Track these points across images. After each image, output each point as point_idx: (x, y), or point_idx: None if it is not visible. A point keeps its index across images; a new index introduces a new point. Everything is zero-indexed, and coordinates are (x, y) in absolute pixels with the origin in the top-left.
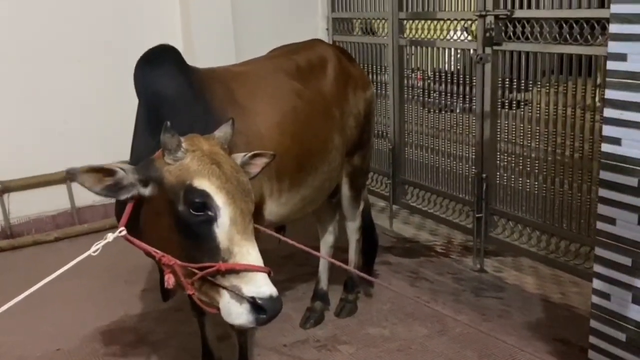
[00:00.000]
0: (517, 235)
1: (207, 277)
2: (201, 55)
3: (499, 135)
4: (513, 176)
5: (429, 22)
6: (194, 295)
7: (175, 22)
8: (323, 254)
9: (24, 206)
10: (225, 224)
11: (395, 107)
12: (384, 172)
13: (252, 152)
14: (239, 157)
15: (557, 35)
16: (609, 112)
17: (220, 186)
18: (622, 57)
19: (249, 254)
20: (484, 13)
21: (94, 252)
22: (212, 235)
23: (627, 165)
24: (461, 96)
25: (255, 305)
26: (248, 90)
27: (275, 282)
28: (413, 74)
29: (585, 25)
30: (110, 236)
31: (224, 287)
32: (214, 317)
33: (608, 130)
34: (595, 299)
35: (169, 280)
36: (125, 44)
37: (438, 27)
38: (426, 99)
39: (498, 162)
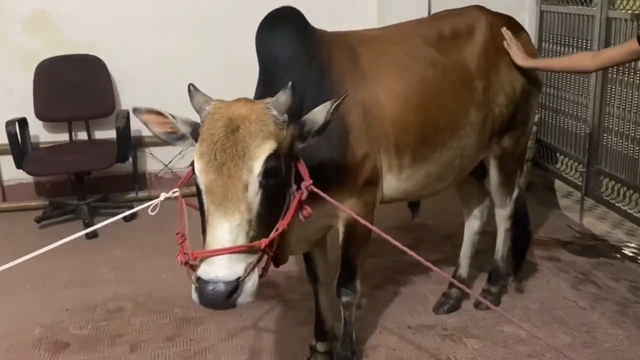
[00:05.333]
0: None
1: None
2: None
3: None
4: None
5: None
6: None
7: None
8: (466, 239)
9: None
10: (203, 192)
11: (597, 87)
12: (578, 158)
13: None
14: (325, 107)
15: None
16: None
17: (203, 152)
18: None
19: (215, 228)
20: None
21: (152, 211)
22: (202, 201)
23: None
24: None
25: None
26: (374, 55)
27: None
28: None
29: None
30: (162, 195)
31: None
32: (329, 286)
33: None
34: None
35: (178, 258)
36: (321, 9)
37: None
38: (634, 79)
39: None
